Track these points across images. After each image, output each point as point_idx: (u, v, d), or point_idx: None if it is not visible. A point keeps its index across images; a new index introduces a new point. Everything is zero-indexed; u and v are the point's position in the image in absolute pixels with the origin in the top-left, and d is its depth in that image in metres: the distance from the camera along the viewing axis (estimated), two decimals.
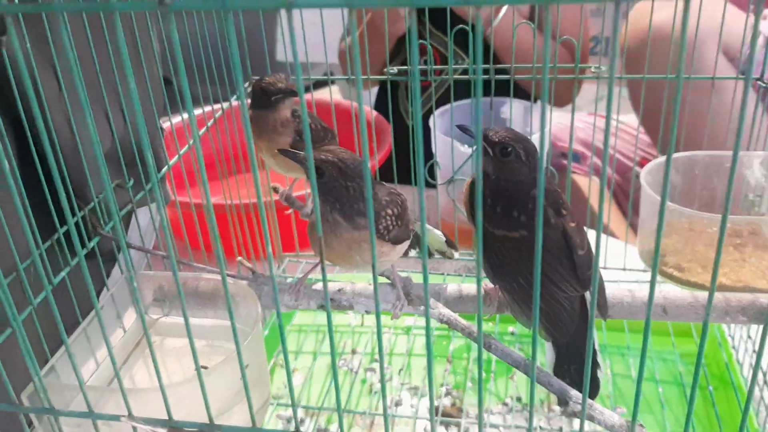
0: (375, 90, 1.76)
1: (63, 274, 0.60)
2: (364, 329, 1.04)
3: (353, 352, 0.99)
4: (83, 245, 0.64)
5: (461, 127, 0.66)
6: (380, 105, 1.72)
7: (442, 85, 1.52)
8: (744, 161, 0.82)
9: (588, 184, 1.62)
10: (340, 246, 0.60)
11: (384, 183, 0.67)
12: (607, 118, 0.33)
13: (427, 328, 0.39)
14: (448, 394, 0.91)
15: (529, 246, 0.63)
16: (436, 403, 0.90)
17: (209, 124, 0.87)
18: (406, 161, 1.05)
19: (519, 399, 0.89)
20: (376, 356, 0.98)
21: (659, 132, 0.89)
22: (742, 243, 0.79)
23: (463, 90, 1.12)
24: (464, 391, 0.91)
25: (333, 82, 1.32)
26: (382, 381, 0.40)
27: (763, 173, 0.81)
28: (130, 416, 0.43)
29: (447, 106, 1.30)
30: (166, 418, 0.43)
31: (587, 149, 1.72)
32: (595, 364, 0.65)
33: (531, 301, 0.64)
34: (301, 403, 0.89)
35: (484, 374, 0.93)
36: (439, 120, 1.13)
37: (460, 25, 0.91)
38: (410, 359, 0.98)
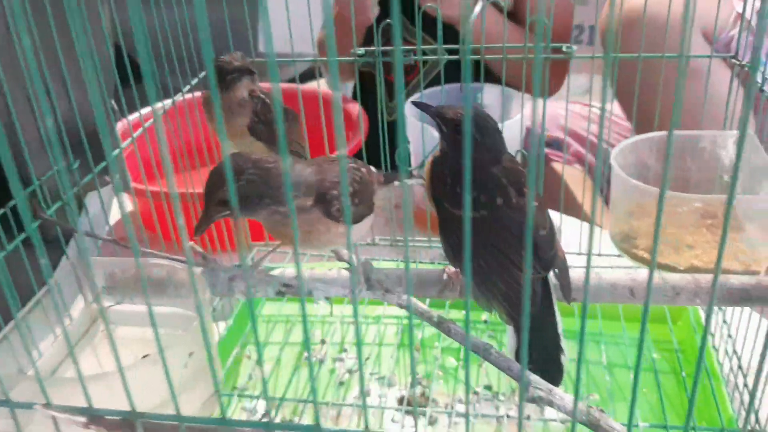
0: (351, 85, 1.73)
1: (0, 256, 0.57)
2: (333, 318, 1.01)
3: (322, 341, 0.97)
4: (22, 229, 0.61)
5: (417, 104, 0.63)
6: (355, 97, 1.69)
7: (416, 71, 1.49)
8: (718, 141, 0.80)
9: (570, 173, 1.60)
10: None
11: (333, 156, 0.64)
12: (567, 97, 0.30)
13: (410, 319, 0.37)
14: (417, 383, 0.89)
15: (489, 227, 0.60)
16: (404, 393, 0.87)
17: (166, 107, 0.84)
18: (376, 148, 1.02)
19: (489, 387, 0.86)
20: (345, 346, 0.96)
21: (635, 113, 0.87)
22: (715, 224, 0.76)
23: (439, 76, 1.09)
24: (433, 381, 0.88)
25: (321, 75, 1.29)
26: (361, 375, 0.37)
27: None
28: (47, 405, 0.40)
29: (424, 91, 1.28)
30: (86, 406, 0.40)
31: (568, 135, 1.70)
32: (559, 349, 0.63)
33: (491, 283, 0.61)
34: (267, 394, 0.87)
35: (454, 361, 0.91)
36: (410, 106, 1.11)
37: (427, 6, 0.88)
38: (380, 349, 0.95)
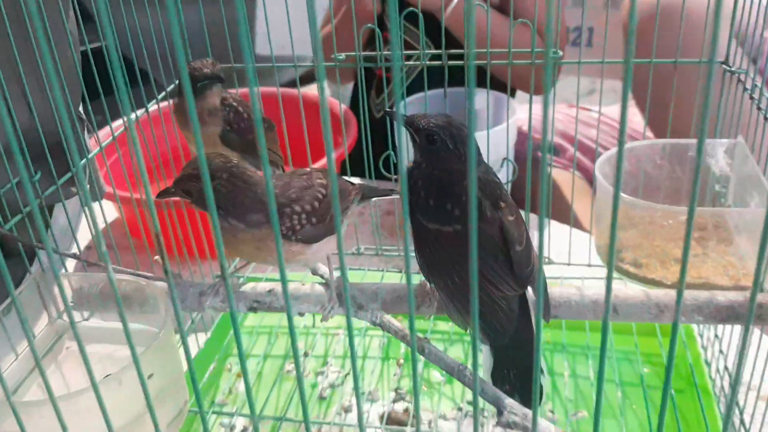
0: (351, 86, 1.71)
1: None
2: (315, 329, 0.98)
3: (305, 354, 0.94)
4: None
5: (388, 113, 0.61)
6: (355, 101, 1.67)
7: (409, 74, 1.47)
8: (708, 149, 0.77)
9: (567, 178, 1.57)
10: (246, 247, 0.56)
11: (306, 170, 0.62)
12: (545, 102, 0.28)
13: (413, 334, 0.34)
14: (400, 399, 0.86)
15: (463, 242, 0.58)
16: (386, 408, 0.85)
17: (136, 118, 0.82)
18: (360, 154, 1.00)
19: (472, 403, 0.84)
20: (328, 359, 0.93)
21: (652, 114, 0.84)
22: (705, 236, 0.74)
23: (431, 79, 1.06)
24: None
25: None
26: (357, 395, 0.35)
27: (727, 162, 0.76)
28: None
29: (413, 96, 1.25)
30: None
31: (566, 142, 1.67)
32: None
33: (466, 301, 0.58)
34: (243, 411, 0.84)
35: (439, 376, 0.89)
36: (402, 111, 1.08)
37: (410, 9, 0.85)
38: (364, 362, 0.93)
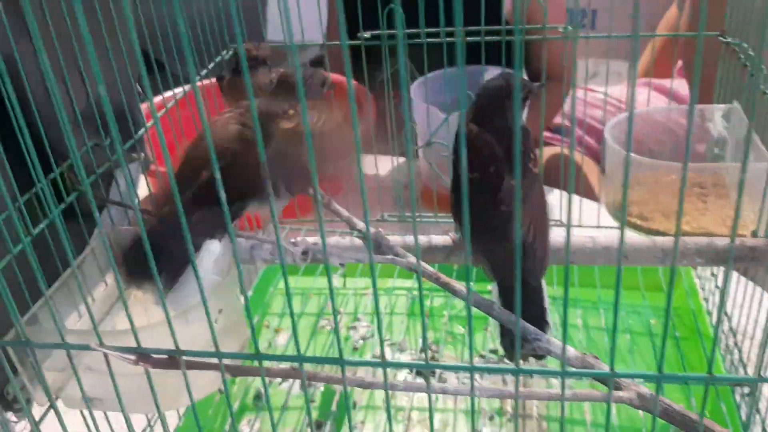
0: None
1: (42, 226, 0.63)
2: (345, 290, 1.06)
3: (336, 312, 1.03)
4: (61, 200, 0.67)
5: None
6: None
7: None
8: (706, 114, 0.85)
9: (575, 157, 1.64)
10: None
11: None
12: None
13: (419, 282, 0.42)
14: (427, 348, 0.94)
15: (478, 188, 0.64)
16: (414, 357, 0.93)
17: (186, 90, 0.89)
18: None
19: (495, 351, 0.92)
20: (359, 315, 1.01)
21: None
22: (705, 193, 0.81)
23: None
24: (441, 345, 0.94)
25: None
26: (380, 335, 0.43)
27: (724, 125, 0.83)
28: (101, 344, 0.46)
29: (428, 75, 1.32)
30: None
31: (569, 122, 1.74)
32: (544, 323, 0.65)
33: (476, 239, 0.66)
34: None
35: (461, 329, 0.96)
36: (416, 87, 1.15)
37: None
38: (392, 317, 1.01)
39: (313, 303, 1.04)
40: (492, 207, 0.64)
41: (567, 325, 0.44)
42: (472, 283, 0.58)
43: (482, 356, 0.92)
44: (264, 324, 1.00)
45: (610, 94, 1.73)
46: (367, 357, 0.93)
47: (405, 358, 0.93)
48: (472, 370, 0.46)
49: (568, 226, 0.39)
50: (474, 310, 0.68)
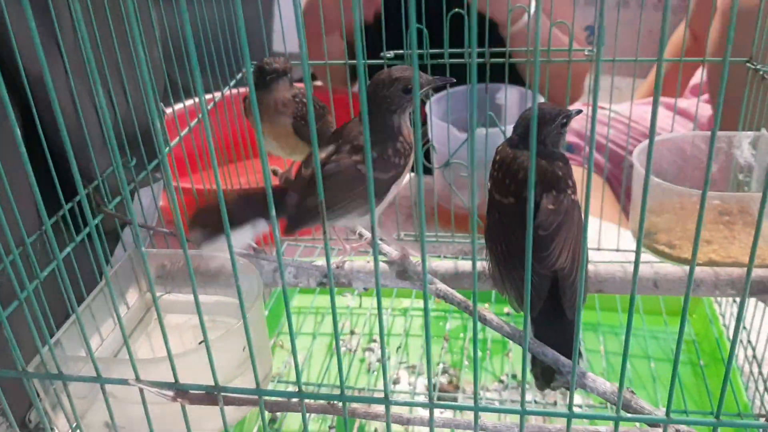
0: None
1: (69, 248, 0.61)
2: (361, 310, 1.05)
3: (351, 332, 1.01)
4: (87, 224, 0.66)
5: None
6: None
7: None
8: (733, 141, 0.84)
9: (582, 175, 1.63)
10: None
11: None
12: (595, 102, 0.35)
13: (425, 302, 0.41)
14: (444, 372, 0.93)
15: (514, 212, 0.64)
16: (433, 381, 0.91)
17: (209, 106, 0.88)
18: None
19: (514, 376, 0.91)
20: (374, 336, 1.00)
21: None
22: (732, 221, 0.80)
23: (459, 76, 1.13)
24: (461, 369, 0.93)
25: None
26: (383, 356, 0.41)
27: (752, 153, 0.83)
28: (138, 380, 0.44)
29: (443, 92, 1.32)
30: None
31: (581, 140, 1.74)
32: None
33: (506, 268, 0.65)
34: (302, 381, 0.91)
35: (480, 353, 0.95)
36: (435, 106, 1.15)
37: (456, 9, 0.92)
38: (407, 339, 0.99)
39: (327, 322, 1.03)
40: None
41: (625, 366, 0.43)
42: (504, 318, 0.57)
43: (501, 381, 0.91)
44: (278, 344, 0.99)
45: (617, 111, 1.73)
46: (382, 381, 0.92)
47: (423, 380, 0.92)
48: (477, 410, 0.46)
49: (636, 263, 0.38)
50: (493, 333, 0.67)
